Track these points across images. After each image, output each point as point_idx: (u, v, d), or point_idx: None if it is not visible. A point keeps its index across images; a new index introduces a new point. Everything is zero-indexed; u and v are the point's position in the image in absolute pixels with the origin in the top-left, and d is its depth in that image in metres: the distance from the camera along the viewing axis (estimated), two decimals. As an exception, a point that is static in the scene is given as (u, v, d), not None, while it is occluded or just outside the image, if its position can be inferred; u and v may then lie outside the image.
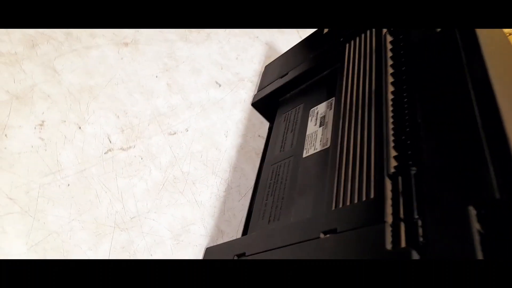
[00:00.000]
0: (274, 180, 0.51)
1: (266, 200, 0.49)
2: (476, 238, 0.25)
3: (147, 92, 0.48)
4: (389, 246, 0.29)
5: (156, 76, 0.50)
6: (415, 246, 0.27)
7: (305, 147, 0.50)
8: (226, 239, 0.47)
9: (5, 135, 0.34)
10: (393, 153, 0.36)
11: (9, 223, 0.32)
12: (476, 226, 0.26)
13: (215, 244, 0.46)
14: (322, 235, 0.36)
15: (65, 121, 0.38)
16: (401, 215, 0.31)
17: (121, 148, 0.41)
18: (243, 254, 0.42)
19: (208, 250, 0.46)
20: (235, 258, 0.43)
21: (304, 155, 0.49)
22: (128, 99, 0.45)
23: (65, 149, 0.37)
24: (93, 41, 0.46)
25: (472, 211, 0.26)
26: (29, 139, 0.35)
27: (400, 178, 0.34)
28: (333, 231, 0.35)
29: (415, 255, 0.27)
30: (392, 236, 0.30)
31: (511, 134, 0.27)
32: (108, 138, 0.41)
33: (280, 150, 0.55)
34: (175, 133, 0.47)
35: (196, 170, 0.48)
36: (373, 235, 0.31)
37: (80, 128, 0.39)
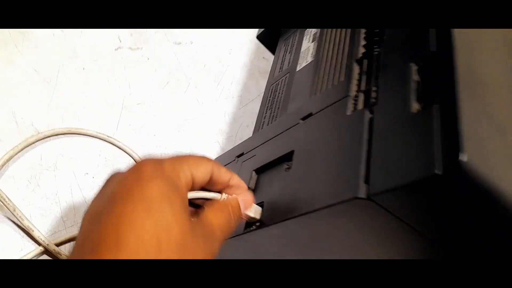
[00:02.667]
0: (272, 97, 0.55)
1: (265, 114, 0.54)
2: (413, 86, 0.28)
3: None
4: (349, 112, 0.33)
5: (165, -4, 0.56)
6: (368, 107, 0.31)
7: (299, 62, 0.54)
8: (224, 136, 0.53)
9: (32, 23, 0.42)
10: (362, 42, 0.40)
11: (33, 87, 0.39)
12: (415, 77, 0.29)
13: (215, 141, 0.52)
14: (300, 121, 0.40)
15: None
16: (363, 88, 0.35)
17: (129, 48, 0.48)
18: (242, 154, 0.48)
19: (216, 160, 0.52)
20: (236, 159, 0.48)
21: (298, 69, 0.53)
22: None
23: (81, 40, 0.44)
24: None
25: (413, 66, 0.30)
26: (51, 29, 0.43)
27: (365, 61, 0.37)
28: (309, 115, 0.39)
29: (367, 114, 0.31)
30: (354, 105, 0.34)
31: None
32: (118, 38, 0.48)
33: (279, 71, 0.59)
34: (180, 43, 0.53)
35: (198, 77, 0.54)
36: (337, 107, 0.35)
37: (94, 26, 0.46)
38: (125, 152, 0.43)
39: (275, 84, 0.57)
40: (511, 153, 0.25)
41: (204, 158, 0.28)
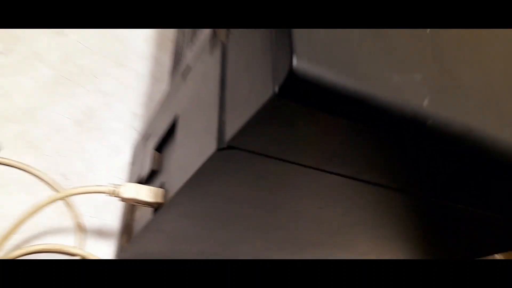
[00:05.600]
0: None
1: None
2: None
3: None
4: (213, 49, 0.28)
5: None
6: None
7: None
8: (140, 119, 0.48)
9: None
10: None
11: None
12: None
13: (130, 127, 0.46)
14: (182, 81, 0.35)
15: None
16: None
17: (1, 53, 0.42)
18: (149, 136, 0.42)
19: (135, 148, 0.46)
20: (144, 142, 0.42)
21: None
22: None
23: None
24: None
25: None
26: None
27: None
28: (188, 70, 0.33)
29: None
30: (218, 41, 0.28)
31: None
32: (-18, 44, 0.42)
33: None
34: (62, 33, 0.47)
35: (95, 63, 0.48)
36: (206, 49, 0.30)
37: None
38: (16, 168, 0.38)
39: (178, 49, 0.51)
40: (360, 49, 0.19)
41: None
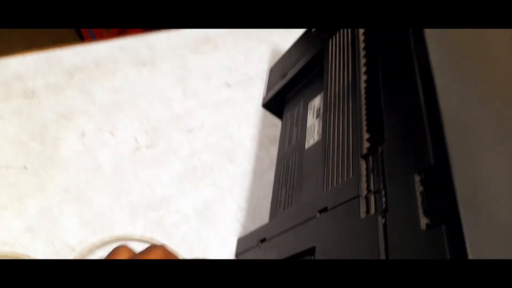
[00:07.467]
0: (284, 173, 0.58)
1: (280, 191, 0.56)
2: (419, 198, 0.30)
3: (164, 100, 0.57)
4: (363, 215, 0.35)
5: (172, 87, 0.59)
6: (380, 213, 0.33)
7: (306, 139, 0.56)
8: (243, 213, 0.55)
9: (57, 145, 0.45)
10: (366, 136, 0.42)
11: (66, 207, 0.43)
12: (420, 189, 0.31)
13: (236, 219, 0.54)
14: (318, 214, 0.42)
15: (100, 130, 0.49)
16: (372, 188, 0.37)
17: (146, 146, 0.51)
18: (264, 239, 0.50)
19: (239, 240, 0.54)
20: (259, 244, 0.50)
21: (306, 146, 0.55)
22: (149, 107, 0.55)
23: (102, 151, 0.48)
24: (117, 66, 0.57)
25: (417, 177, 0.32)
26: (75, 146, 0.46)
27: (371, 158, 0.40)
28: (325, 210, 0.41)
29: (380, 220, 0.33)
30: (366, 206, 0.36)
31: (444, 115, 0.31)
32: (135, 139, 0.51)
33: (288, 145, 0.61)
34: (191, 130, 0.57)
35: (213, 159, 0.56)
36: (351, 208, 0.37)
37: (112, 134, 0.50)
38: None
39: (286, 159, 0.59)
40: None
41: None
